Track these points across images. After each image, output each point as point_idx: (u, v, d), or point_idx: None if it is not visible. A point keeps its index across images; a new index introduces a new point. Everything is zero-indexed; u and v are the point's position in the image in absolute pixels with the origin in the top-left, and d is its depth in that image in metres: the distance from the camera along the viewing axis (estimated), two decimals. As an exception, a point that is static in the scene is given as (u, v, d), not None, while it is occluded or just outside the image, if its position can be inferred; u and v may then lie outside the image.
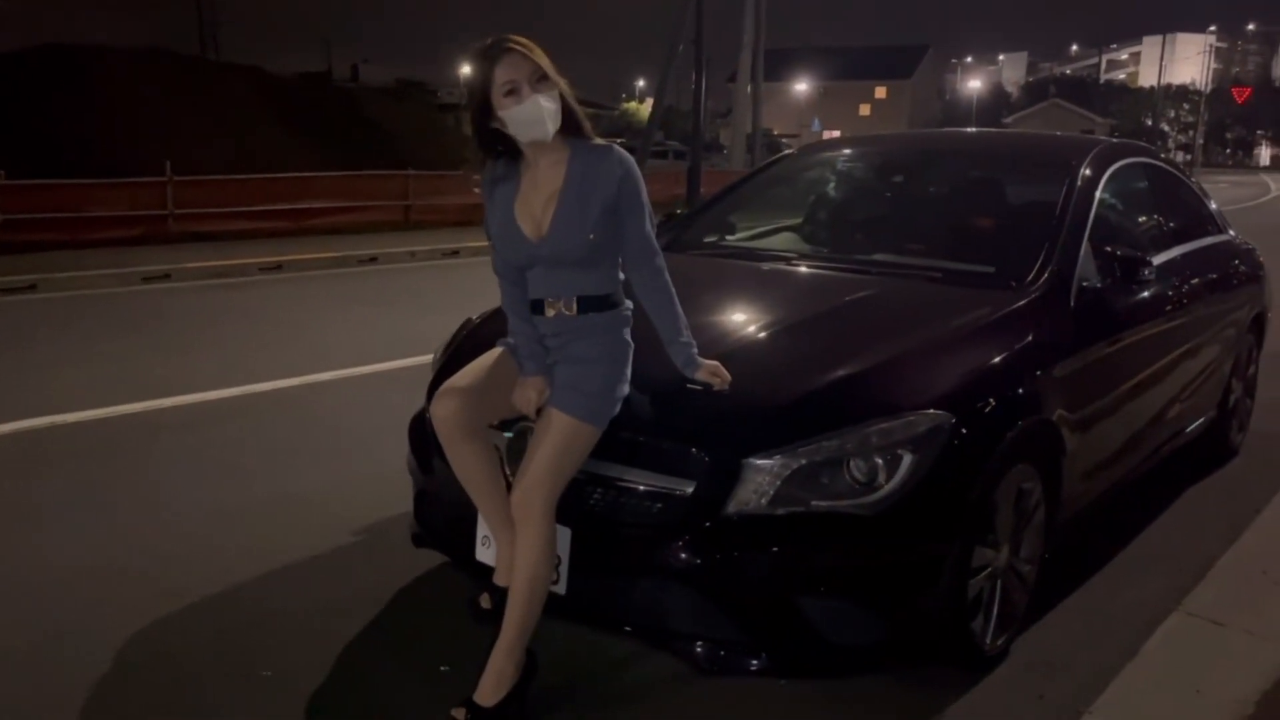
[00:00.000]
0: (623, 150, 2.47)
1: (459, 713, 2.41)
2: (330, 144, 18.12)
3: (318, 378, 6.05)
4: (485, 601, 2.67)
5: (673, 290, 2.54)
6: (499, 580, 2.61)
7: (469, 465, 2.53)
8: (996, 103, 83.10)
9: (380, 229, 14.83)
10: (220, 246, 12.20)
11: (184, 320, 8.16)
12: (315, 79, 25.98)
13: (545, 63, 2.39)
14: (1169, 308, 3.78)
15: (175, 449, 4.71)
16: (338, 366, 6.30)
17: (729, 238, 4.14)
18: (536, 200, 2.46)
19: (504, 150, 2.48)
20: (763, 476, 2.43)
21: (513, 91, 2.34)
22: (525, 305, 2.55)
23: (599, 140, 2.50)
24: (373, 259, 12.17)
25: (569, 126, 2.44)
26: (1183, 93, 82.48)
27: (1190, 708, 2.60)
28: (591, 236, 2.41)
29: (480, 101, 2.38)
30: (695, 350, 2.55)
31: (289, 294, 9.71)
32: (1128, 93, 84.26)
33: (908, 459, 2.46)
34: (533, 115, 2.36)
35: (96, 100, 16.10)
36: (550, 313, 2.50)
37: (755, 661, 2.47)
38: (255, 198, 13.85)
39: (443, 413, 2.48)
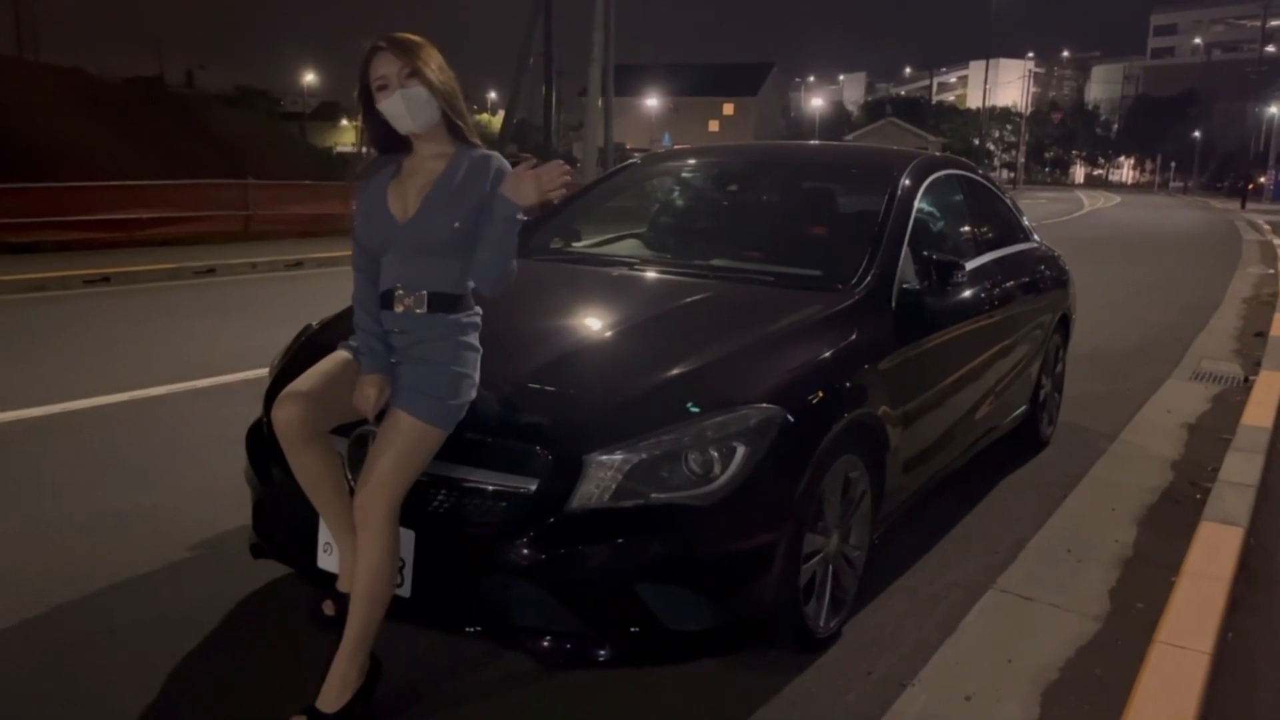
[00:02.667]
0: (502, 159, 2.57)
1: (300, 720, 2.38)
2: (163, 152, 17.20)
3: (148, 393, 5.77)
4: (328, 608, 2.63)
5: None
6: (342, 586, 2.58)
7: (311, 471, 2.49)
8: (838, 120, 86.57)
9: (219, 240, 14.20)
10: (40, 259, 11.43)
11: (-1, 335, 7.63)
12: (145, 84, 24.66)
13: (421, 61, 2.48)
14: (982, 309, 4.06)
15: (-11, 469, 4.41)
16: (170, 381, 6.02)
17: (574, 244, 4.20)
18: (412, 186, 2.54)
19: (398, 145, 2.57)
20: (605, 472, 2.50)
21: (384, 87, 2.47)
22: (375, 300, 2.57)
23: (483, 149, 2.58)
24: (210, 270, 11.66)
25: (449, 125, 2.54)
26: (1006, 114, 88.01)
27: (1003, 675, 2.82)
28: (457, 224, 2.48)
29: (364, 97, 2.52)
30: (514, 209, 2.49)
31: (118, 307, 9.20)
32: (957, 113, 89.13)
33: (741, 451, 2.57)
34: (396, 109, 2.48)
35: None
36: (399, 308, 2.51)
37: (601, 653, 2.52)
38: (79, 206, 13.00)
39: (283, 417, 2.44)
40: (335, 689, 2.40)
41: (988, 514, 4.23)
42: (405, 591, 2.55)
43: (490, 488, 2.54)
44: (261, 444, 3.00)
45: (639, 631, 2.53)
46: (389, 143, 2.58)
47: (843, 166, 4.53)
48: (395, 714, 2.55)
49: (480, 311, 2.61)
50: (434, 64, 2.51)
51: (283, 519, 2.91)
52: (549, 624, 2.51)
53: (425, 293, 2.50)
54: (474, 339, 2.57)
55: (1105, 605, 3.30)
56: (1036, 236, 5.37)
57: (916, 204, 3.81)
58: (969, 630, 3.08)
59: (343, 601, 2.50)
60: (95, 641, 2.91)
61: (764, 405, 2.66)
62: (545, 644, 2.51)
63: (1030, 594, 3.34)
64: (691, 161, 4.85)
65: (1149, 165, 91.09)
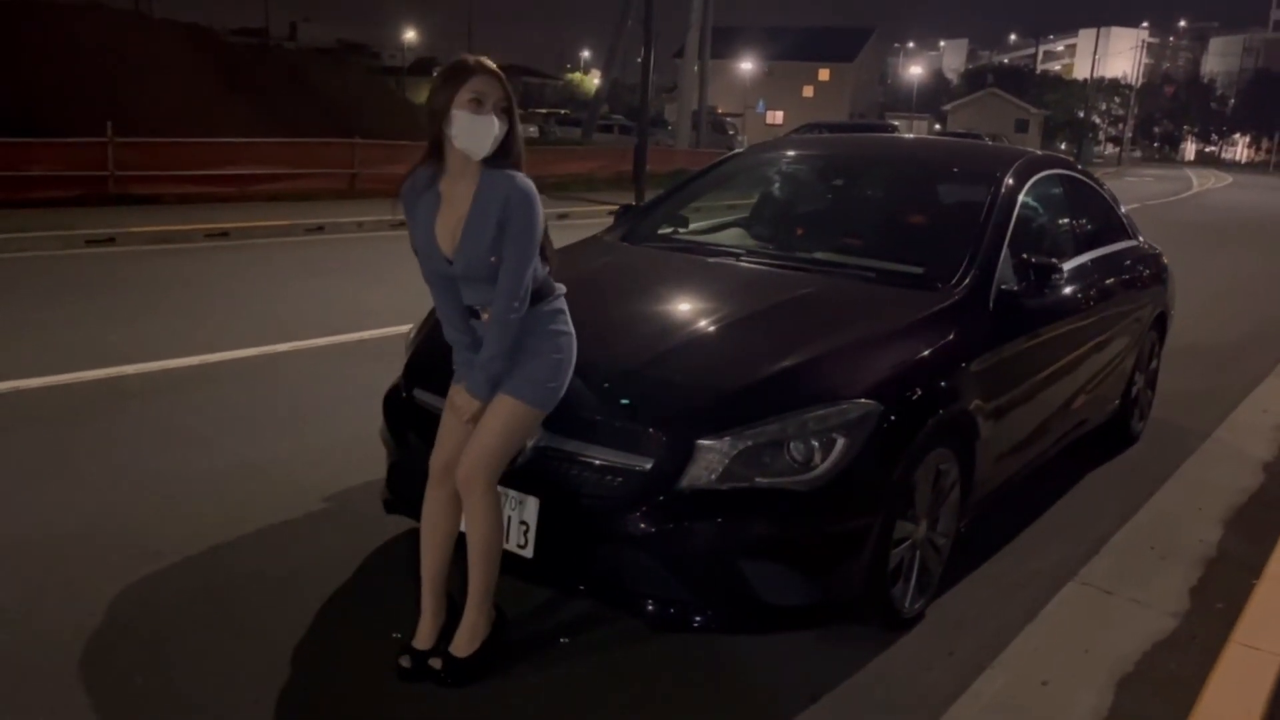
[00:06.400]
0: (524, 180, 2.57)
1: (436, 663, 2.68)
2: (270, 107, 17.88)
3: (275, 348, 6.19)
4: (405, 661, 2.76)
5: (509, 331, 2.62)
6: (420, 644, 2.77)
7: (434, 511, 2.80)
8: (937, 89, 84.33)
9: (325, 197, 14.75)
10: (163, 210, 12.09)
11: (133, 286, 8.17)
12: (251, 35, 25.47)
13: (511, 101, 2.59)
14: (1078, 309, 4.14)
15: (140, 416, 4.84)
16: (293, 338, 6.43)
17: (681, 231, 4.40)
18: (452, 219, 2.61)
19: (438, 159, 2.61)
20: (713, 455, 2.72)
21: (477, 102, 2.53)
22: (458, 312, 2.72)
23: (506, 169, 2.59)
24: (320, 228, 12.17)
25: (506, 153, 2.59)
26: (1115, 86, 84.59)
27: (1079, 664, 2.96)
28: (493, 259, 2.56)
29: (444, 104, 2.53)
30: (485, 381, 2.65)
31: (237, 262, 9.73)
32: (1062, 84, 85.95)
33: (840, 442, 2.77)
34: (483, 129, 2.53)
35: (33, 56, 15.68)
36: (485, 316, 2.67)
37: (700, 619, 2.76)
38: (198, 161, 13.68)
39: (437, 465, 2.79)
40: (466, 637, 2.70)
41: (1074, 507, 4.34)
42: (528, 553, 2.82)
43: (608, 464, 2.78)
44: (398, 409, 3.29)
45: (736, 603, 2.76)
46: (432, 149, 2.60)
47: (947, 165, 4.61)
48: (516, 661, 2.83)
49: (564, 290, 2.76)
50: (516, 104, 2.62)
51: (416, 480, 3.18)
52: (656, 590, 2.75)
53: None
54: (562, 324, 2.73)
55: (1185, 603, 3.38)
56: (1140, 237, 5.38)
57: (1018, 205, 3.90)
58: (1049, 619, 3.22)
59: (419, 660, 2.73)
60: (248, 582, 3.26)
61: (863, 401, 2.85)
62: (651, 607, 2.76)
63: (1111, 588, 3.45)
64: (796, 154, 4.99)
65: (1265, 144, 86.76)
